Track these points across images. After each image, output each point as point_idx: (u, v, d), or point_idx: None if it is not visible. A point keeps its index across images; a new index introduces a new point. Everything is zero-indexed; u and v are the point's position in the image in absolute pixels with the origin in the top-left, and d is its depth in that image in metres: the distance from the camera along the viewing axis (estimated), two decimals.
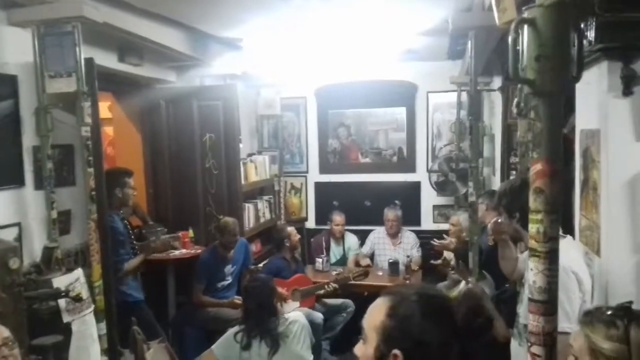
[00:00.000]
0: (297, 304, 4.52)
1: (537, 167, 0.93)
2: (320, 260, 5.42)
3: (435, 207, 6.03)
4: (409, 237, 5.68)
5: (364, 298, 4.94)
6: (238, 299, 4.22)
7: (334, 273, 5.22)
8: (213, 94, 4.84)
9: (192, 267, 4.42)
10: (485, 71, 4.64)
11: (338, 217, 5.77)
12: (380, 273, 5.32)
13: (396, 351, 1.19)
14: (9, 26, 2.79)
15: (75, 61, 2.74)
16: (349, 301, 4.92)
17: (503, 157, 4.75)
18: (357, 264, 5.66)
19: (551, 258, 0.95)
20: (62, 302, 2.59)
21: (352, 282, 4.81)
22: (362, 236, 5.92)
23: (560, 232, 2.26)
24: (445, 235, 4.53)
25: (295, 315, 3.47)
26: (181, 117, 4.83)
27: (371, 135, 6.22)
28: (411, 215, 5.93)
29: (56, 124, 2.89)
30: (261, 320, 3.27)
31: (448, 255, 4.50)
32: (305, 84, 6.17)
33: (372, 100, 6.11)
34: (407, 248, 5.61)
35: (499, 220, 2.49)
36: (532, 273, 0.97)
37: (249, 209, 5.27)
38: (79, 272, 2.77)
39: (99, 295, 2.89)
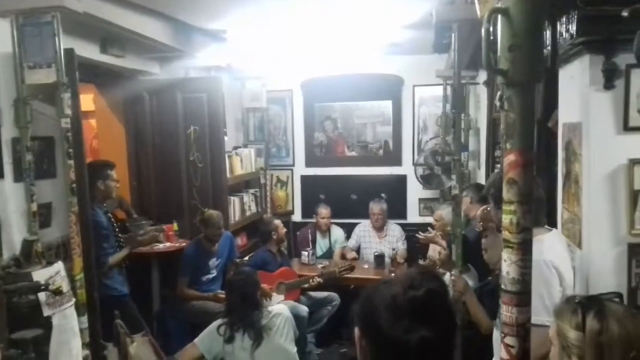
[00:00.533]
0: (282, 297, 4.51)
1: (510, 158, 0.93)
2: (306, 253, 5.42)
3: (421, 200, 6.04)
4: (394, 230, 5.70)
5: (349, 291, 4.97)
6: (222, 293, 4.20)
7: (319, 266, 5.22)
8: (197, 86, 4.80)
9: (176, 260, 4.40)
10: (470, 65, 4.64)
11: (324, 210, 5.77)
12: (366, 266, 5.33)
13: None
14: None
15: (55, 52, 2.69)
16: (334, 294, 4.93)
17: (488, 150, 4.78)
18: (344, 256, 5.68)
19: (524, 249, 0.95)
20: (42, 296, 2.56)
21: (338, 276, 4.82)
22: (348, 229, 5.93)
23: (547, 226, 2.30)
24: (430, 228, 4.54)
25: (278, 308, 3.47)
26: (165, 109, 4.78)
27: (358, 129, 6.21)
28: (397, 209, 5.95)
29: (36, 116, 2.84)
30: (244, 314, 3.27)
31: (434, 254, 4.51)
32: (291, 77, 6.14)
33: (358, 94, 6.09)
34: (393, 241, 5.63)
35: (487, 209, 2.54)
36: (506, 264, 0.96)
37: (234, 202, 5.25)
38: (59, 266, 2.74)
39: (80, 289, 2.85)
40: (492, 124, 4.64)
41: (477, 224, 3.29)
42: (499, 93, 0.97)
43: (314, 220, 5.87)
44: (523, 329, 0.97)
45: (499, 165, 4.24)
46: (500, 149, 4.26)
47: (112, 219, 3.94)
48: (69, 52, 2.92)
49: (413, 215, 6.07)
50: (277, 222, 5.03)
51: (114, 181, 3.85)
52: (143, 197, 4.89)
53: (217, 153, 4.80)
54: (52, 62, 2.71)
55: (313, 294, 4.89)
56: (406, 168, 6.02)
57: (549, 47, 2.22)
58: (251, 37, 4.59)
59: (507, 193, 0.94)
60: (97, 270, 3.31)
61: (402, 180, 6.06)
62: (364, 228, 5.78)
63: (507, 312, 0.97)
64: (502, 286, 0.98)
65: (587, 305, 1.45)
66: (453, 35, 2.89)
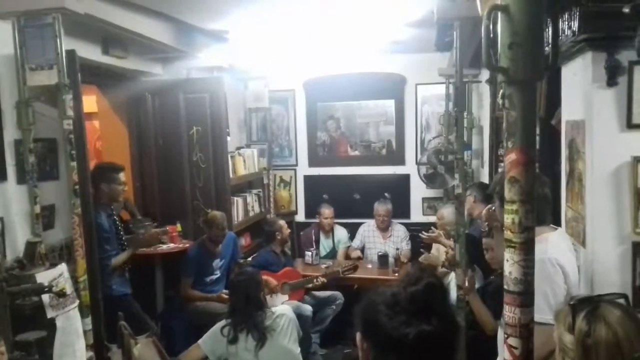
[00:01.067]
0: (286, 297, 4.51)
1: (511, 157, 0.92)
2: (309, 253, 5.42)
3: (424, 199, 6.03)
4: (399, 230, 5.68)
5: (353, 291, 4.96)
6: (225, 294, 4.20)
7: (323, 266, 5.22)
8: (200, 86, 4.79)
9: (180, 261, 4.40)
10: (473, 63, 4.62)
11: (327, 211, 5.76)
12: (370, 266, 5.32)
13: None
14: None
15: (57, 53, 2.68)
16: (338, 293, 4.92)
17: (491, 149, 4.76)
18: (347, 256, 5.67)
19: (527, 249, 0.94)
20: (45, 298, 2.55)
21: (341, 276, 4.81)
22: (352, 229, 5.92)
23: (552, 225, 2.29)
24: (433, 228, 4.53)
25: (282, 308, 3.46)
26: (167, 110, 4.78)
27: (361, 128, 6.19)
28: (400, 208, 5.93)
29: (38, 118, 2.84)
30: (248, 314, 3.26)
31: (437, 253, 4.49)
32: (293, 77, 6.13)
33: (360, 93, 6.08)
34: (397, 241, 5.60)
35: (493, 208, 2.55)
36: (508, 264, 0.95)
37: (237, 202, 5.24)
38: (62, 267, 2.74)
39: (84, 291, 2.85)
40: (495, 122, 4.62)
41: (482, 224, 3.27)
42: (501, 91, 0.96)
43: (317, 220, 5.86)
44: (526, 330, 0.96)
45: (502, 164, 4.22)
46: (503, 148, 4.24)
47: (118, 222, 3.94)
48: (71, 54, 2.91)
49: (416, 215, 6.05)
50: (282, 222, 5.03)
51: (120, 184, 3.83)
52: (146, 198, 4.89)
53: (220, 153, 4.80)
54: (54, 64, 2.71)
55: (317, 293, 4.88)
56: (409, 167, 6.01)
57: (550, 45, 2.20)
58: (253, 37, 4.58)
59: (508, 192, 0.93)
60: (100, 272, 3.31)
61: (405, 179, 6.05)
62: (368, 228, 5.77)
63: (509, 312, 0.96)
64: (505, 286, 0.97)
65: (579, 306, 1.41)
66: (455, 33, 2.88)
